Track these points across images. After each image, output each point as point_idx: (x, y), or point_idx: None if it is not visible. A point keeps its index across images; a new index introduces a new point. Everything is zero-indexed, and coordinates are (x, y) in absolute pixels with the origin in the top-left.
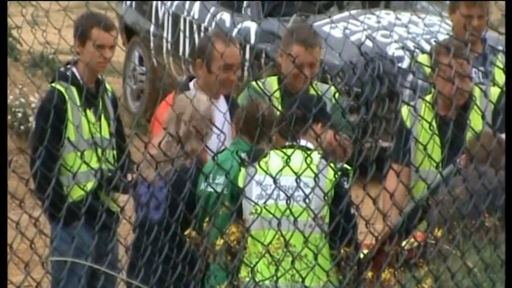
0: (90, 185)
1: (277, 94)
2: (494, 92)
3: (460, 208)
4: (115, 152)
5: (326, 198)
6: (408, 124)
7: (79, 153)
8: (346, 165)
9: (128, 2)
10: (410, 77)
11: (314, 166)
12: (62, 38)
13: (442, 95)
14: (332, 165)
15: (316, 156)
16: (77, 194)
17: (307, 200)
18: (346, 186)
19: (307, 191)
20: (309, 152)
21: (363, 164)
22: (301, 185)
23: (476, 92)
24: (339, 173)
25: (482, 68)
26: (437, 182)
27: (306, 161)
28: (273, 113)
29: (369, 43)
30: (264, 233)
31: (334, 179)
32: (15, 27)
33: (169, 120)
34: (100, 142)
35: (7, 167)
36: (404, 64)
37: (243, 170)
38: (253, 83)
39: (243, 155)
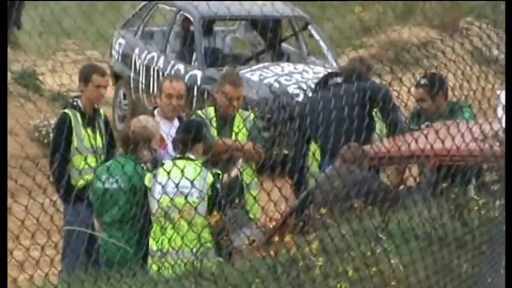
0: (90, 177)
1: (215, 119)
2: None
3: (337, 194)
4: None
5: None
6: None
7: (83, 157)
8: (217, 171)
9: (115, 56)
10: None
11: (196, 173)
12: (72, 81)
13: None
14: (210, 172)
15: (198, 166)
16: (80, 182)
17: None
18: (218, 185)
19: (194, 190)
20: (192, 163)
21: (272, 165)
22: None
23: None
24: (216, 177)
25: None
26: (322, 177)
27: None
28: (143, 131)
29: (276, 84)
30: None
31: (211, 181)
32: (40, 73)
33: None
34: (96, 149)
35: (6, 163)
36: (300, 98)
37: (148, 174)
38: (198, 111)
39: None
